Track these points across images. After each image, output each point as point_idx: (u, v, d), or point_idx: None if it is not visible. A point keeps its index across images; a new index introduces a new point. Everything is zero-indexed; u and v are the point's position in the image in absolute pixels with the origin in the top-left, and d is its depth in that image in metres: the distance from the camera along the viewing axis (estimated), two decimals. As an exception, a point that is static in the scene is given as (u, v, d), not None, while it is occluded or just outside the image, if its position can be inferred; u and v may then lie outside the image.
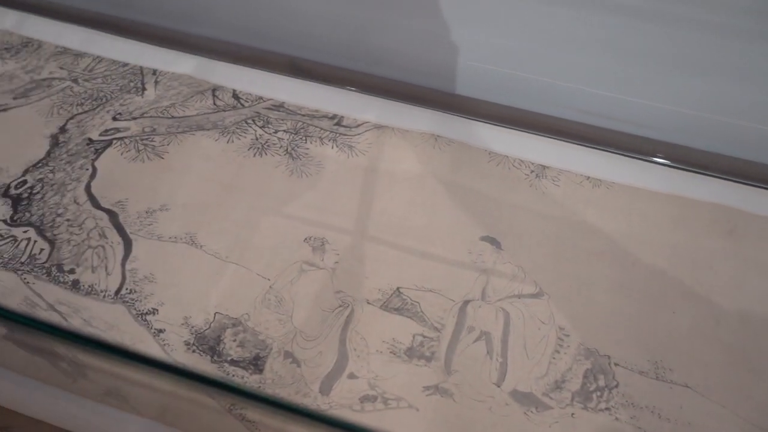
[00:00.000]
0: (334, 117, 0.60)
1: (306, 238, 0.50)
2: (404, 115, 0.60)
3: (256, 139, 0.57)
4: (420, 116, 0.60)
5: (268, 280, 0.48)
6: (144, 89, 0.61)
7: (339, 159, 0.56)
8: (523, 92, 0.61)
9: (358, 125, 0.59)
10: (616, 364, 0.45)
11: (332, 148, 0.57)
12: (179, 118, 0.59)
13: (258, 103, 0.61)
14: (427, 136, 0.58)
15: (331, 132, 0.59)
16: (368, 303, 0.47)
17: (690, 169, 0.57)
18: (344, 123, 0.59)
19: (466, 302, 0.47)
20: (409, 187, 0.55)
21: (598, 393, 0.43)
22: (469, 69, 0.62)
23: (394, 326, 0.46)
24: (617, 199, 0.55)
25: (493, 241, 0.51)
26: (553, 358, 0.45)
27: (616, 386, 0.44)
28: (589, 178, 0.56)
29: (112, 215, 0.51)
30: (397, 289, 0.48)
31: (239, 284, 0.47)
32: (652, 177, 0.56)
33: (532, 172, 0.56)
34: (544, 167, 0.57)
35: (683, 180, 0.57)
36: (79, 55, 0.64)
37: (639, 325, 0.47)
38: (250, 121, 0.59)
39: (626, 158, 0.58)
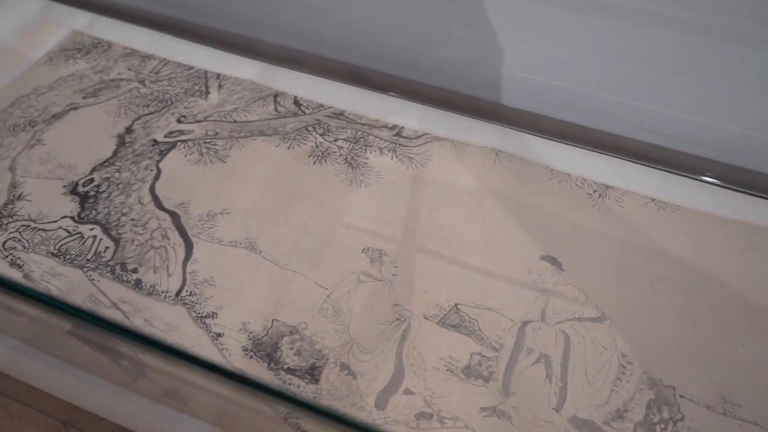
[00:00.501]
0: (394, 127, 0.60)
1: (364, 249, 0.50)
2: (465, 128, 0.60)
3: (316, 146, 0.58)
4: (481, 130, 0.59)
5: (326, 289, 0.48)
6: (208, 93, 0.62)
7: (398, 170, 0.56)
8: (588, 109, 0.60)
9: (418, 136, 0.59)
10: (681, 396, 0.43)
11: (392, 158, 0.57)
12: (241, 122, 0.59)
13: (318, 111, 0.61)
14: (487, 150, 0.58)
15: (391, 142, 0.58)
16: (425, 318, 0.46)
17: (762, 195, 0.55)
18: (404, 134, 0.59)
19: (526, 323, 0.46)
20: (468, 201, 0.54)
21: (662, 426, 0.42)
22: (532, 83, 0.61)
23: (452, 343, 0.45)
24: (683, 222, 0.53)
25: (553, 261, 0.50)
26: (615, 385, 0.44)
27: (681, 419, 0.42)
28: (654, 200, 0.54)
29: (174, 217, 0.52)
30: (455, 305, 0.47)
31: (297, 292, 0.47)
32: (720, 201, 0.55)
33: (594, 191, 0.55)
34: (607, 187, 0.55)
35: (753, 206, 0.54)
36: (146, 57, 0.66)
37: (705, 356, 0.45)
38: (310, 128, 0.59)
39: (693, 181, 0.56)
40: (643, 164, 0.57)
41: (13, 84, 0.62)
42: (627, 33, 0.54)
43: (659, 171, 0.57)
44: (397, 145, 0.58)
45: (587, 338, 0.46)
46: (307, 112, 0.61)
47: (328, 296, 0.47)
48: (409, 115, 0.61)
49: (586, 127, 0.61)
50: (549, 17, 0.57)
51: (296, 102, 0.62)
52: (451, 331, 0.46)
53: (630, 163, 0.57)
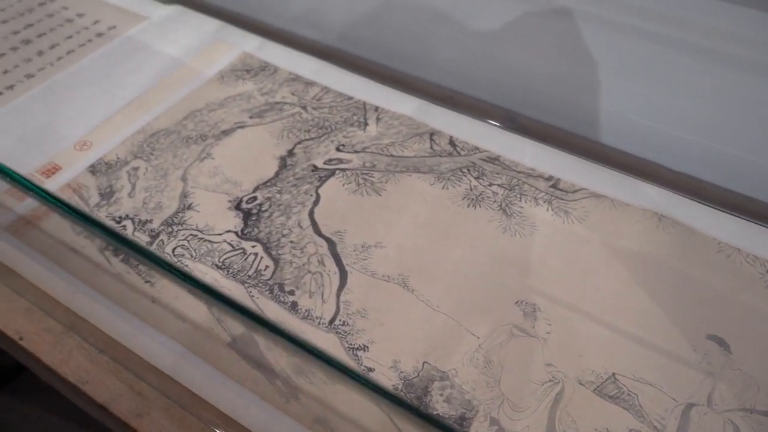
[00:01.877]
0: (550, 178, 0.59)
1: (517, 301, 0.49)
2: (626, 188, 0.58)
3: (471, 189, 0.57)
4: (643, 191, 0.57)
5: (478, 338, 0.47)
6: (366, 124, 0.64)
7: (554, 223, 0.55)
8: (761, 180, 0.57)
9: (576, 191, 0.58)
10: None
11: (547, 210, 0.56)
12: (397, 157, 0.60)
13: (474, 153, 0.61)
14: (649, 213, 0.55)
15: (547, 194, 0.57)
16: (580, 383, 0.45)
17: None
18: (560, 186, 0.58)
19: (690, 405, 0.44)
20: (628, 265, 0.52)
21: None
22: (699, 147, 0.59)
23: (609, 415, 0.43)
24: None
25: (721, 342, 0.47)
26: (791, 491, 0.40)
27: None
28: (835, 289, 0.50)
29: (331, 244, 0.53)
30: (613, 374, 0.45)
31: (449, 337, 0.47)
32: None
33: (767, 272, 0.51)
34: (781, 268, 0.52)
35: None
36: (309, 83, 0.68)
37: None
38: (465, 170, 0.59)
39: None
40: (821, 248, 0.53)
41: (188, 98, 0.66)
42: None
43: (841, 258, 0.53)
44: (554, 197, 0.57)
45: (759, 433, 0.42)
46: (462, 153, 0.61)
47: (479, 345, 0.47)
48: (567, 168, 0.59)
49: (758, 200, 0.57)
50: (723, 79, 0.55)
51: (452, 142, 0.62)
52: (608, 402, 0.44)
53: (807, 245, 0.54)
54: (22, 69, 0.69)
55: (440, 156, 0.60)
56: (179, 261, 0.51)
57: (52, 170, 0.58)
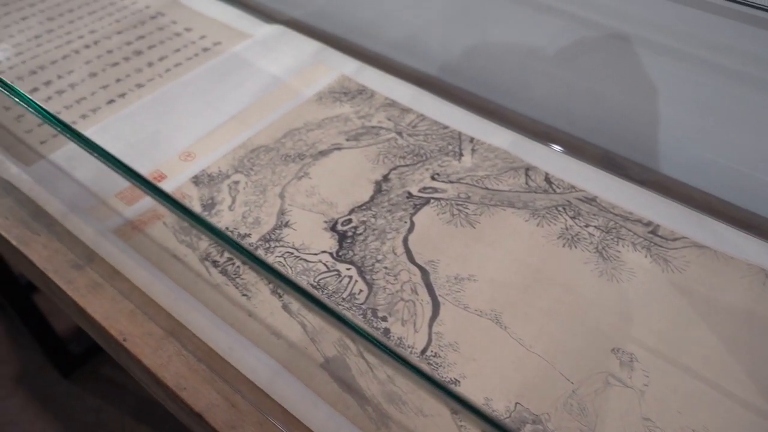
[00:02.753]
0: (649, 224, 0.57)
1: (613, 349, 0.48)
2: (730, 240, 0.56)
3: (566, 229, 0.57)
4: (749, 245, 0.55)
5: (572, 383, 0.46)
6: (461, 155, 0.64)
7: (653, 271, 0.53)
8: None
9: (676, 239, 0.56)
10: None
11: (645, 257, 0.55)
12: (492, 190, 0.60)
13: (569, 192, 0.60)
14: (756, 269, 0.53)
15: (645, 239, 0.56)
16: (680, 442, 0.43)
17: None
18: (660, 233, 0.57)
19: (800, 478, 0.41)
20: (732, 322, 0.50)
21: None
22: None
23: (711, 480, 0.41)
24: None
25: (834, 414, 0.44)
26: None
27: None
28: None
29: (424, 273, 0.53)
30: (715, 436, 0.43)
31: (542, 379, 0.46)
32: None
33: None
34: None
35: None
36: (405, 110, 0.69)
37: None
38: (560, 208, 0.59)
39: None
40: None
41: (287, 116, 0.68)
42: None
43: None
44: (652, 244, 0.56)
45: None
46: (557, 191, 0.60)
47: (573, 391, 0.46)
48: (666, 214, 0.58)
49: None
50: None
51: (547, 179, 0.61)
52: (710, 465, 0.42)
53: None
54: (133, 78, 0.73)
55: (535, 192, 0.60)
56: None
57: (158, 178, 0.61)
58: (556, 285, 0.52)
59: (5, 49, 0.77)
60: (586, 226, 0.57)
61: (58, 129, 0.50)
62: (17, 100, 0.53)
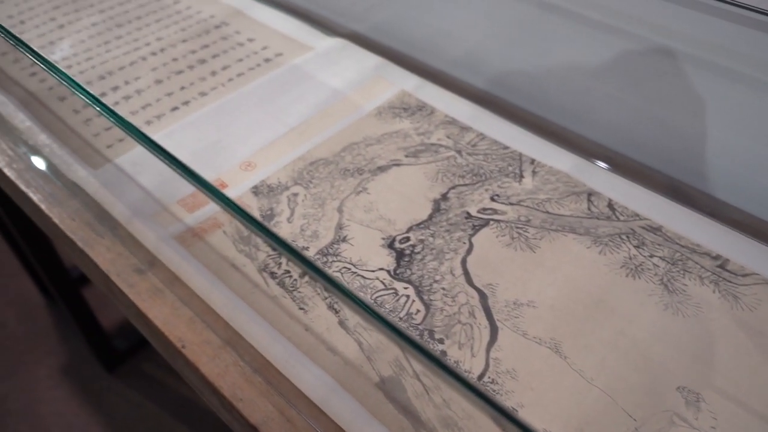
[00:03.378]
0: (717, 257, 0.55)
1: (679, 387, 0.46)
2: (805, 279, 0.53)
3: (630, 258, 0.55)
4: (825, 285, 0.53)
5: (635, 420, 0.44)
6: (522, 177, 0.63)
7: (721, 307, 0.51)
8: None
9: (746, 274, 0.54)
10: None
11: (713, 292, 0.53)
12: (553, 214, 0.59)
13: (633, 220, 0.59)
14: (833, 311, 0.51)
15: (714, 273, 0.54)
16: (749, 491, 0.41)
17: None
18: (728, 267, 0.55)
19: None
20: (806, 366, 0.48)
21: None
22: None
23: None
24: None
25: None
26: None
27: None
28: None
29: (482, 296, 0.52)
30: (788, 487, 0.41)
31: (602, 414, 0.45)
32: None
33: None
34: None
35: None
36: (465, 128, 0.69)
37: None
38: (624, 236, 0.57)
39: None
40: None
41: (346, 130, 0.68)
42: None
43: None
44: (721, 279, 0.54)
45: None
46: (621, 218, 0.59)
47: (636, 429, 0.44)
48: (736, 248, 0.56)
49: None
50: None
51: (610, 205, 0.60)
52: None
53: None
54: (197, 87, 0.74)
55: (598, 219, 0.59)
56: (329, 297, 0.52)
57: (219, 186, 0.62)
58: (618, 316, 0.51)
59: (76, 54, 0.79)
60: (651, 256, 0.55)
61: (131, 134, 0.51)
62: (89, 101, 0.54)
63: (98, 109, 0.54)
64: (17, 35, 0.62)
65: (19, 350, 1.47)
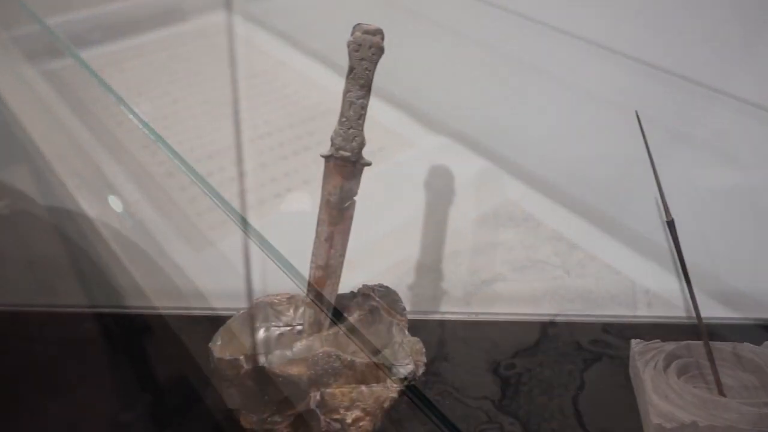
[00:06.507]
0: None
1: None
2: None
3: (761, 418, 0.50)
4: None
5: None
6: (636, 307, 0.59)
7: None
8: None
9: None
10: None
11: None
12: (672, 355, 0.55)
13: (763, 373, 0.54)
14: None
15: None
16: None
17: None
18: None
19: None
20: None
21: None
22: None
23: None
24: None
25: None
26: None
27: None
28: None
29: (594, 444, 0.48)
30: None
31: None
32: None
33: None
34: None
35: None
36: (573, 246, 0.66)
37: None
38: (753, 391, 0.52)
39: None
40: None
41: (448, 236, 0.66)
42: None
43: None
44: None
45: None
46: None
47: None
48: None
49: None
50: None
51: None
52: None
53: None
54: (301, 174, 0.75)
55: (722, 366, 0.54)
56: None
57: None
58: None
59: (186, 130, 0.82)
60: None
61: (235, 221, 0.51)
62: (195, 179, 0.55)
63: (203, 189, 0.54)
64: (133, 107, 0.65)
65: None
